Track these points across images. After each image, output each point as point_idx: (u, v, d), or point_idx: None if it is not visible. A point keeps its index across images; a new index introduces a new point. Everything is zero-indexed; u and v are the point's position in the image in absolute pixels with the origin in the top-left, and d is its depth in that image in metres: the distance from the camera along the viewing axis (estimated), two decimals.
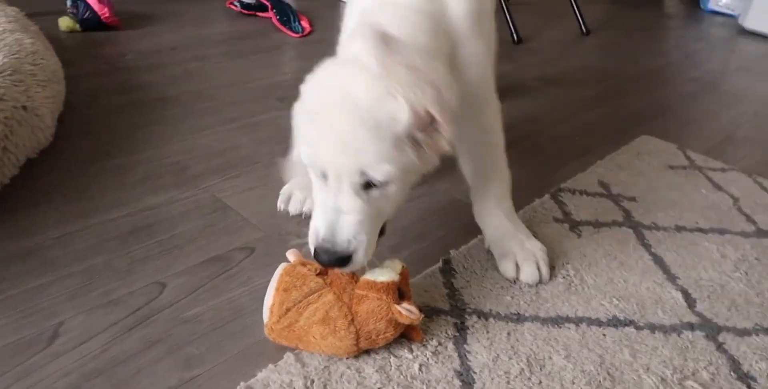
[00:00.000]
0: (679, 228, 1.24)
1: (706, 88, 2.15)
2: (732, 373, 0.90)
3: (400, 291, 0.86)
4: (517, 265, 1.05)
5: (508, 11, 2.39)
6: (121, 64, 1.87)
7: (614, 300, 1.03)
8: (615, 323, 0.97)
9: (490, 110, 1.08)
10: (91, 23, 2.05)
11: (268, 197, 1.22)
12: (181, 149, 1.40)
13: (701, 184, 1.43)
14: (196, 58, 1.97)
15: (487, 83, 1.06)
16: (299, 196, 1.18)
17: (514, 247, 1.07)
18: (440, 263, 1.07)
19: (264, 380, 0.81)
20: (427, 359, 0.87)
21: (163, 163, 1.33)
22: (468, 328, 0.93)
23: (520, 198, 1.16)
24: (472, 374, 0.85)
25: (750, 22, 2.84)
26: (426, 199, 1.27)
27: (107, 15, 2.06)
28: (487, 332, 0.93)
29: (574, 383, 0.86)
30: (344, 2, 2.72)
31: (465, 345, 0.90)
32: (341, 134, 0.77)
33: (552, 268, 1.08)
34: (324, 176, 0.81)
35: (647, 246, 1.18)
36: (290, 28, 2.28)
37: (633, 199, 1.34)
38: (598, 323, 0.97)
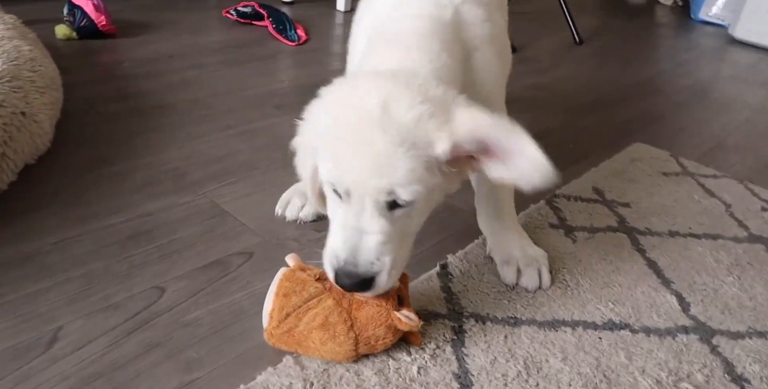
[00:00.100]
0: (672, 233, 1.26)
1: (697, 97, 2.18)
2: (726, 375, 0.91)
3: (399, 297, 0.87)
4: (518, 271, 1.06)
5: None
6: (118, 72, 1.88)
7: (609, 303, 1.04)
8: (610, 326, 0.99)
9: None
10: (88, 31, 2.06)
11: (266, 202, 1.23)
12: (179, 155, 1.41)
13: (694, 190, 1.45)
14: (193, 66, 1.98)
15: (497, 92, 1.06)
16: (297, 202, 1.19)
17: (516, 253, 1.08)
18: (437, 268, 1.08)
19: (264, 383, 0.82)
20: (426, 362, 0.88)
21: (162, 169, 1.34)
22: (465, 331, 0.94)
23: (516, 204, 1.17)
24: (470, 376, 0.86)
25: (740, 32, 2.88)
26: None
27: (104, 23, 2.07)
28: (485, 335, 0.94)
29: (570, 385, 0.86)
30: (340, 11, 2.75)
31: (463, 348, 0.91)
32: (376, 152, 0.74)
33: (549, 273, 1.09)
34: (347, 194, 0.78)
35: (642, 251, 1.19)
36: (286, 37, 2.30)
37: (627, 205, 1.35)
38: (594, 326, 0.98)
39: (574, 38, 2.67)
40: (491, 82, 1.01)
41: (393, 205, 0.78)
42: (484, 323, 0.96)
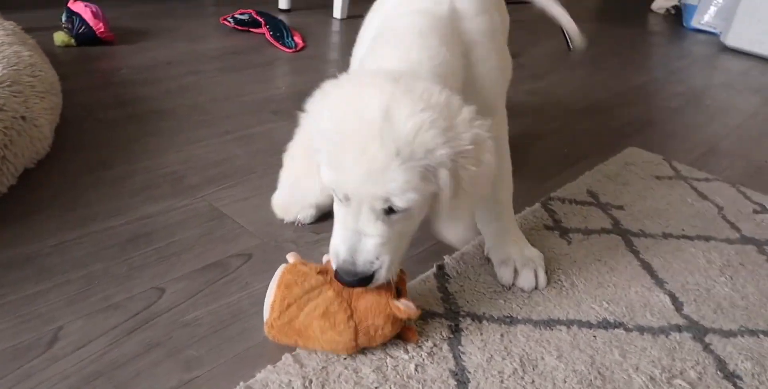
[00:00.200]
0: (666, 235, 1.28)
1: (689, 103, 2.21)
2: (718, 372, 0.93)
3: (398, 291, 0.89)
4: (515, 271, 1.08)
5: None
6: (117, 79, 1.89)
7: (604, 303, 1.05)
8: (605, 325, 1.00)
9: (498, 121, 1.09)
10: (86, 38, 2.08)
11: (264, 205, 1.24)
12: (177, 159, 1.42)
13: (687, 193, 1.46)
14: (191, 72, 2.00)
15: (497, 93, 1.07)
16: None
17: (513, 254, 1.09)
18: (434, 269, 1.09)
19: (263, 380, 0.83)
20: (423, 359, 0.89)
21: (160, 173, 1.35)
22: (462, 330, 0.95)
23: (513, 206, 1.19)
24: (467, 374, 0.87)
25: (731, 40, 2.92)
26: None
27: (102, 30, 2.09)
28: (481, 334, 0.95)
29: (566, 382, 0.88)
30: (336, 19, 2.77)
31: (459, 346, 0.92)
32: (374, 162, 0.75)
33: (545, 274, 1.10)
34: (346, 199, 0.80)
35: (635, 252, 1.21)
36: (283, 44, 2.32)
37: (621, 207, 1.37)
38: (589, 325, 1.00)
39: (568, 46, 2.69)
40: (491, 79, 1.02)
41: (390, 210, 0.80)
42: (480, 322, 0.98)
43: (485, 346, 0.93)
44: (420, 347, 0.91)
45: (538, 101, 2.06)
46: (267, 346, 0.90)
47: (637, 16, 3.64)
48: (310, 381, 0.83)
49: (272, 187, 1.23)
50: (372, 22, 1.09)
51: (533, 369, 0.90)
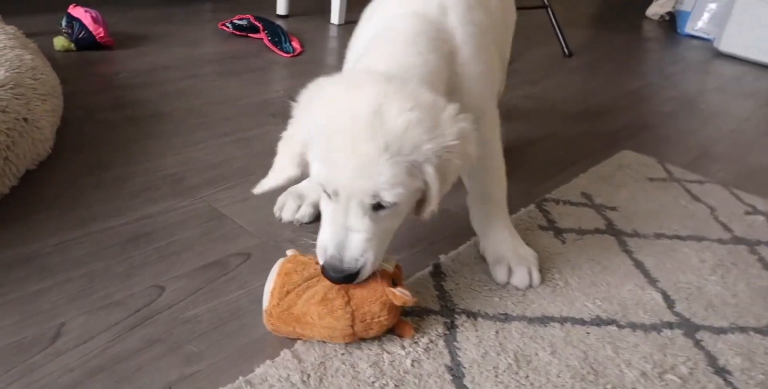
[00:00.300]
0: (658, 235, 1.29)
1: (683, 107, 2.23)
2: (709, 367, 0.94)
3: (394, 282, 0.91)
4: (509, 270, 1.10)
5: None
6: (116, 83, 1.91)
7: (597, 301, 1.07)
8: (598, 322, 1.02)
9: (487, 121, 1.12)
10: (85, 43, 2.10)
11: (263, 206, 1.25)
12: (176, 162, 1.44)
13: (680, 195, 1.49)
14: (189, 76, 2.01)
15: (485, 96, 1.10)
16: (293, 204, 1.22)
17: (508, 253, 1.11)
18: (430, 267, 1.11)
19: (262, 375, 0.84)
20: (419, 355, 0.90)
21: (160, 175, 1.37)
22: (457, 327, 0.97)
23: (508, 208, 1.21)
24: (462, 368, 0.89)
25: (725, 46, 2.95)
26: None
27: (102, 35, 2.11)
28: (476, 330, 0.97)
29: (559, 376, 0.89)
30: (334, 24, 2.80)
31: (455, 342, 0.94)
32: (363, 156, 0.79)
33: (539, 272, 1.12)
34: (335, 194, 0.84)
35: (629, 252, 1.23)
36: (281, 49, 2.34)
37: (614, 208, 1.39)
38: (582, 322, 1.01)
39: (564, 51, 2.72)
40: (478, 80, 1.05)
41: (377, 206, 0.84)
42: (475, 319, 0.99)
43: (480, 342, 0.94)
44: (416, 343, 0.92)
45: (534, 105, 2.08)
46: (266, 342, 0.91)
47: (632, 22, 3.67)
48: (308, 376, 0.85)
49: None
50: (364, 30, 1.12)
51: (527, 364, 0.91)
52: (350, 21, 2.78)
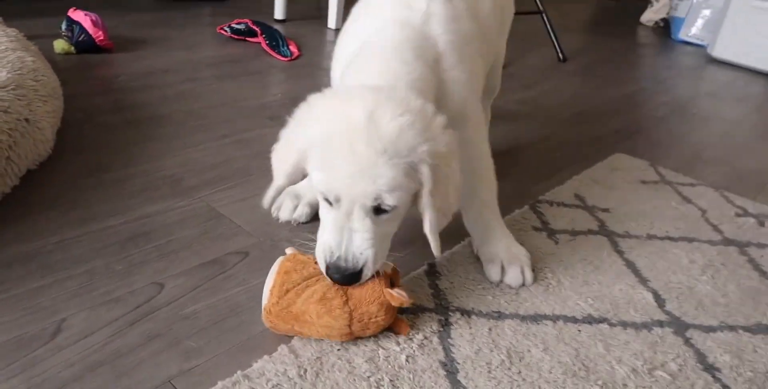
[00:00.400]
0: (650, 236, 1.32)
1: (676, 112, 2.26)
2: (698, 364, 0.96)
3: (391, 283, 0.93)
4: (502, 269, 1.12)
5: None
6: (115, 85, 1.93)
7: (589, 300, 1.09)
8: (590, 320, 1.04)
9: (472, 124, 1.14)
10: (85, 46, 2.11)
11: (261, 206, 1.26)
12: (175, 163, 1.45)
13: (671, 197, 1.51)
14: (188, 79, 2.03)
15: (468, 101, 1.12)
16: (290, 204, 1.24)
17: (501, 252, 1.13)
18: (425, 266, 1.13)
19: (260, 369, 0.86)
20: (414, 351, 0.92)
21: (159, 175, 1.38)
22: (452, 324, 0.99)
23: (502, 209, 1.22)
24: (456, 364, 0.91)
25: (718, 52, 2.99)
26: (412, 208, 1.33)
27: (102, 38, 2.13)
28: (470, 327, 0.99)
29: (551, 372, 0.91)
30: (330, 29, 2.82)
31: (449, 339, 0.95)
32: (361, 160, 0.83)
33: (531, 271, 1.14)
34: (337, 200, 0.87)
35: (620, 252, 1.25)
36: (279, 52, 2.36)
37: (607, 210, 1.41)
38: (574, 320, 1.03)
39: (559, 56, 2.75)
40: (462, 84, 1.08)
41: (378, 211, 0.88)
42: (469, 316, 1.01)
43: (474, 339, 0.96)
44: (411, 339, 0.94)
45: (529, 109, 2.10)
46: (264, 338, 0.93)
47: (626, 28, 3.71)
48: (305, 371, 0.86)
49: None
50: (350, 35, 1.13)
51: (520, 360, 0.93)
52: None
